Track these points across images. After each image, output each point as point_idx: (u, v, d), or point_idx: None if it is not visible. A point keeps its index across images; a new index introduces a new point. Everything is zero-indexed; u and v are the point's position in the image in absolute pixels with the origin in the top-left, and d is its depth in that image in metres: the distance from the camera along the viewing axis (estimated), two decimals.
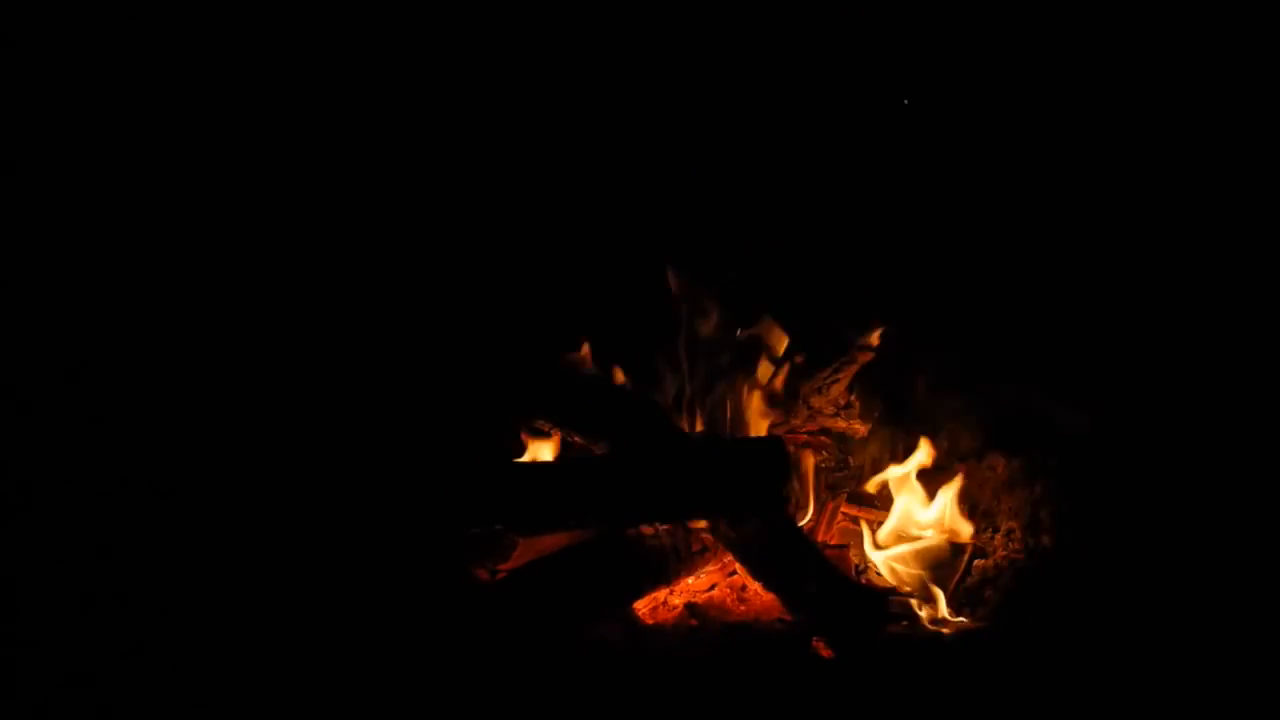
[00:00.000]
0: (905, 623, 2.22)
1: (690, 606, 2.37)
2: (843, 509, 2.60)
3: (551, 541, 2.34)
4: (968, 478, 2.58)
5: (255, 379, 2.81)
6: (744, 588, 2.41)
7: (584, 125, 3.19)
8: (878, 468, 2.65)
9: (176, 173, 2.95)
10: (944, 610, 2.27)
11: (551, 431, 2.55)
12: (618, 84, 3.16)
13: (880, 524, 2.51)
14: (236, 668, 2.08)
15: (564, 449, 2.56)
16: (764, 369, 2.59)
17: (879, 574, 2.42)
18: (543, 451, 2.57)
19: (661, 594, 2.40)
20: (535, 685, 2.03)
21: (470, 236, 3.15)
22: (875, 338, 2.66)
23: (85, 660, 2.09)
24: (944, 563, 2.39)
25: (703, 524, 2.35)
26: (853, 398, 2.67)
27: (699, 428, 2.55)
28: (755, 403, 2.56)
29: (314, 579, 2.23)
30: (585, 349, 2.63)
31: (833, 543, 2.52)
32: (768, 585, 2.28)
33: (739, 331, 2.62)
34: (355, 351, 2.92)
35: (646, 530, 2.31)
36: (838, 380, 2.64)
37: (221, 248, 2.95)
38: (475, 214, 3.17)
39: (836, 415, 2.65)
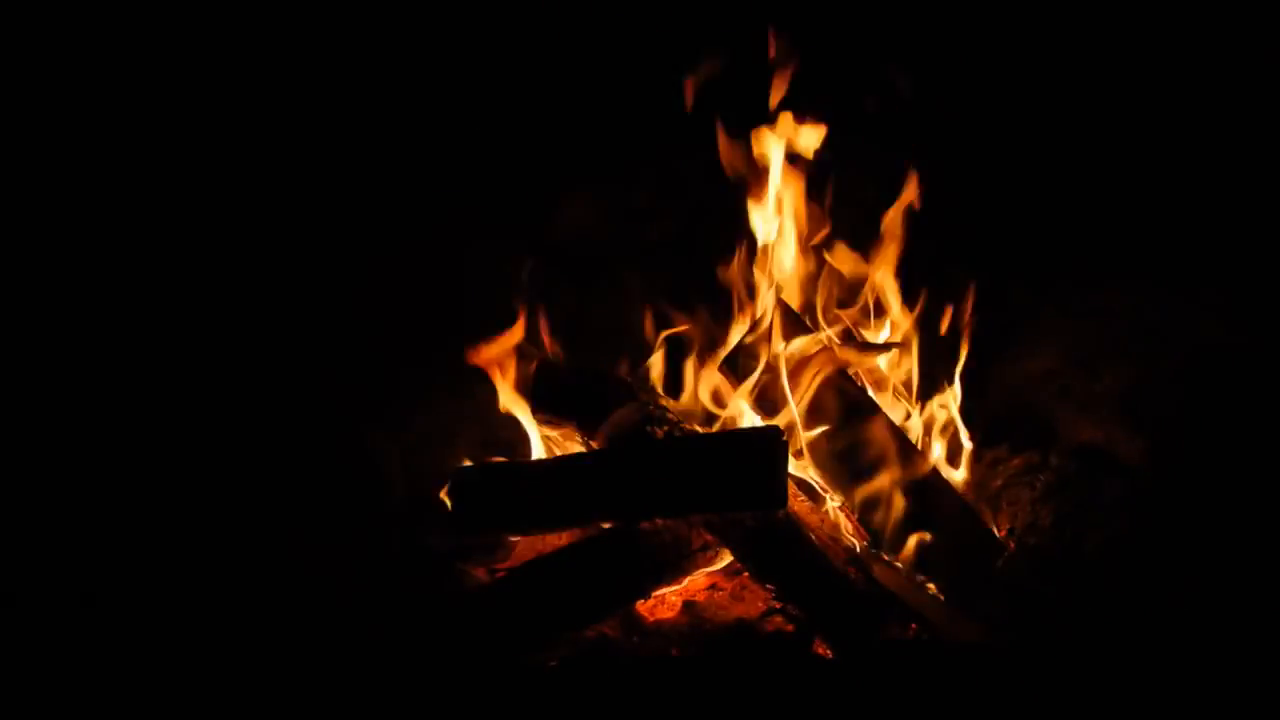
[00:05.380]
0: (912, 627, 2.22)
1: (690, 605, 2.36)
2: None
3: (551, 540, 2.33)
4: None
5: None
6: (744, 586, 2.40)
7: None
8: None
9: None
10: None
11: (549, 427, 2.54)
12: None
13: None
14: (231, 668, 2.07)
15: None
16: None
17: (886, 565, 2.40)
18: (540, 448, 2.56)
19: (662, 592, 2.39)
20: (536, 685, 2.02)
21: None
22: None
23: None
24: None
25: (702, 520, 2.33)
26: None
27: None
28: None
29: (316, 579, 2.22)
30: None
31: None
32: (766, 584, 2.27)
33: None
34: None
35: (646, 527, 2.30)
36: None
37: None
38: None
39: None
